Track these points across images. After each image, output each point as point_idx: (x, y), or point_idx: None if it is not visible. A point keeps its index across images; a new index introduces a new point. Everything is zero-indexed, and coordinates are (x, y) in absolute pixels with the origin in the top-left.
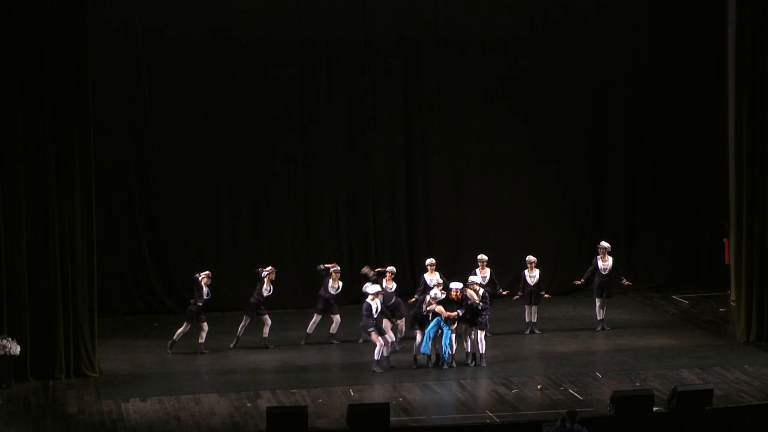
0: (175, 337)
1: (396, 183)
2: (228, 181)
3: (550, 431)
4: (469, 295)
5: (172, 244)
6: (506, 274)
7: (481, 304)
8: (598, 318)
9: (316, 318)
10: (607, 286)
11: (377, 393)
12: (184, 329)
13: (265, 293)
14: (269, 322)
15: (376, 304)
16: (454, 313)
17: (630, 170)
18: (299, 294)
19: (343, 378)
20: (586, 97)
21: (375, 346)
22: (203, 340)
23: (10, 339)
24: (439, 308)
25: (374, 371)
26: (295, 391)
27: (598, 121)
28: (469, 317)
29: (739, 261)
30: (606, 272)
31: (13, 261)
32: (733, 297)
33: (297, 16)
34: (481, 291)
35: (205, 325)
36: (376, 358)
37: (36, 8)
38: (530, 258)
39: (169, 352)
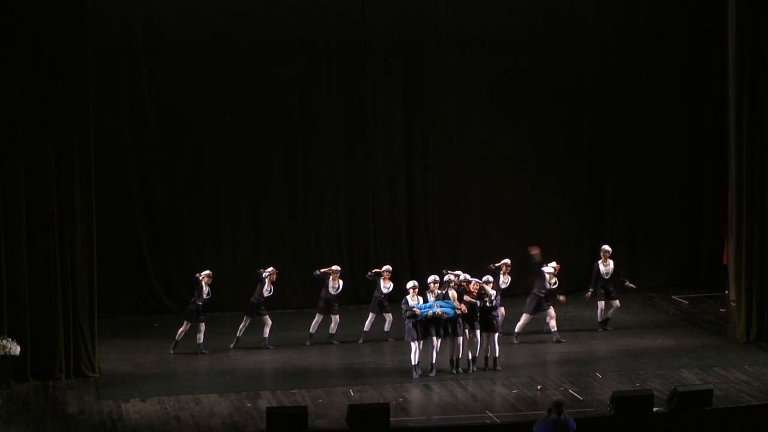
0: (177, 338)
1: (396, 183)
2: (228, 181)
3: (539, 427)
4: (485, 292)
5: (172, 244)
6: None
7: (495, 302)
8: (599, 320)
9: (318, 318)
10: (609, 289)
11: (377, 393)
12: (185, 328)
13: (266, 294)
14: (269, 322)
15: (415, 301)
16: (474, 301)
17: (630, 170)
18: (299, 294)
19: (343, 378)
20: (586, 97)
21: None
22: (201, 341)
23: (10, 339)
24: (452, 293)
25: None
26: (295, 391)
27: (598, 121)
28: (482, 320)
29: (739, 261)
30: (608, 276)
31: (13, 261)
32: (731, 297)
33: (297, 16)
34: (495, 292)
35: (203, 326)
36: (413, 363)
37: (36, 8)
38: (554, 265)
39: (172, 352)
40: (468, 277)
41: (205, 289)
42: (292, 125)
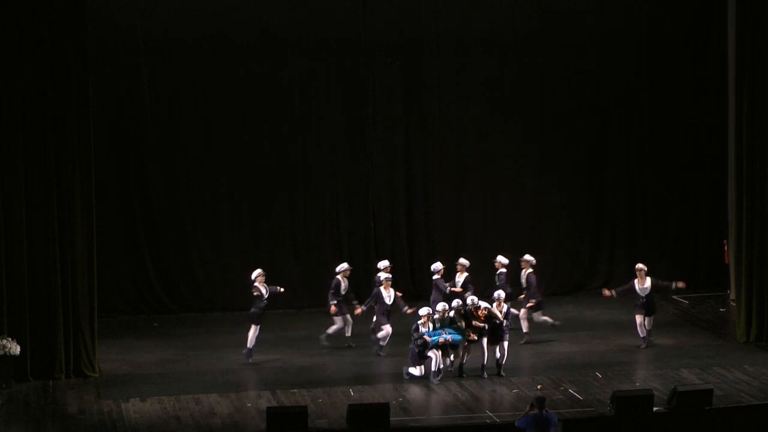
0: (249, 345)
1: (396, 183)
2: (228, 181)
3: (521, 422)
4: (494, 316)
5: (172, 244)
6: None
7: (505, 321)
8: (641, 335)
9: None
10: (649, 306)
11: (377, 393)
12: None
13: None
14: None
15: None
16: (482, 326)
17: (630, 170)
18: (299, 294)
19: (343, 378)
20: (586, 97)
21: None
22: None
23: (10, 339)
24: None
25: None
26: (295, 391)
27: (597, 122)
28: (491, 335)
29: (739, 261)
30: (645, 294)
31: (13, 261)
32: (732, 296)
33: (297, 16)
34: (505, 308)
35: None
36: (432, 369)
37: (36, 8)
38: (529, 257)
39: (249, 361)
40: (475, 299)
41: (263, 289)
42: (292, 125)
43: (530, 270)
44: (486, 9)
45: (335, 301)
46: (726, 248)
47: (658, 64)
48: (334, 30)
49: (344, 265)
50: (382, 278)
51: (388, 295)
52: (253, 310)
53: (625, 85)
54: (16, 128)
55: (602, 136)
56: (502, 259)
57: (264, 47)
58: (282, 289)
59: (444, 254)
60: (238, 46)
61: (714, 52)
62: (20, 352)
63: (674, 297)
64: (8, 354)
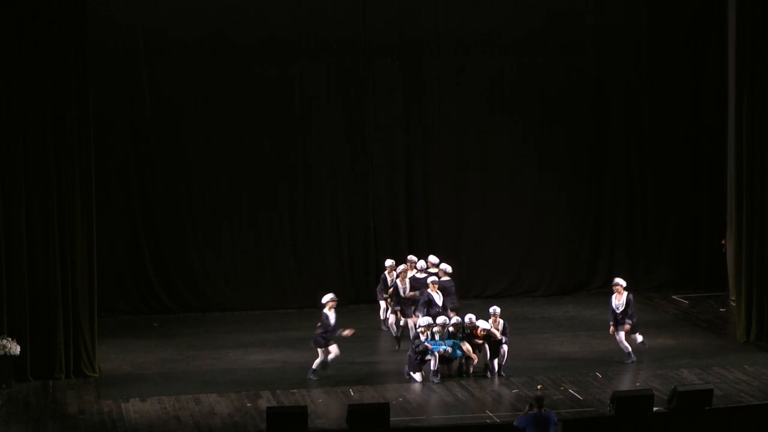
0: (314, 366)
1: (396, 183)
2: (228, 180)
3: (521, 421)
4: (492, 334)
5: (172, 244)
6: (505, 273)
7: (503, 338)
8: (625, 351)
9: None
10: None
11: (377, 393)
12: (322, 357)
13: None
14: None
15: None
16: (481, 342)
17: (630, 170)
18: (299, 294)
19: (343, 378)
20: (586, 97)
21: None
22: (316, 366)
23: (10, 339)
24: (466, 346)
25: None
26: (295, 391)
27: (597, 122)
28: (491, 350)
29: (739, 261)
30: (620, 310)
31: (14, 261)
32: (731, 297)
33: (297, 16)
34: (502, 323)
35: (334, 348)
36: (431, 368)
37: (36, 8)
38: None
39: (312, 377)
40: (473, 317)
41: (331, 316)
42: (292, 125)
43: (446, 278)
44: (486, 9)
45: (390, 301)
46: (725, 248)
47: (658, 64)
48: (334, 30)
49: (390, 262)
50: (428, 281)
51: (439, 296)
52: (318, 335)
53: (625, 85)
54: (16, 128)
55: (602, 136)
56: (432, 258)
57: (264, 47)
58: (348, 333)
59: (444, 255)
60: (238, 46)
61: (714, 52)
62: (20, 352)
63: (674, 297)
64: (8, 354)
